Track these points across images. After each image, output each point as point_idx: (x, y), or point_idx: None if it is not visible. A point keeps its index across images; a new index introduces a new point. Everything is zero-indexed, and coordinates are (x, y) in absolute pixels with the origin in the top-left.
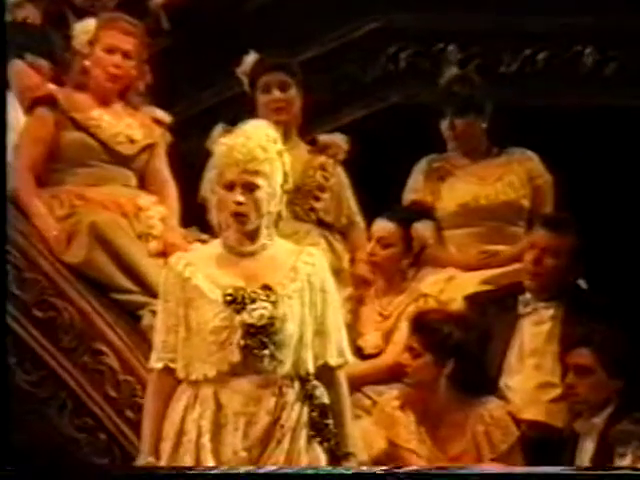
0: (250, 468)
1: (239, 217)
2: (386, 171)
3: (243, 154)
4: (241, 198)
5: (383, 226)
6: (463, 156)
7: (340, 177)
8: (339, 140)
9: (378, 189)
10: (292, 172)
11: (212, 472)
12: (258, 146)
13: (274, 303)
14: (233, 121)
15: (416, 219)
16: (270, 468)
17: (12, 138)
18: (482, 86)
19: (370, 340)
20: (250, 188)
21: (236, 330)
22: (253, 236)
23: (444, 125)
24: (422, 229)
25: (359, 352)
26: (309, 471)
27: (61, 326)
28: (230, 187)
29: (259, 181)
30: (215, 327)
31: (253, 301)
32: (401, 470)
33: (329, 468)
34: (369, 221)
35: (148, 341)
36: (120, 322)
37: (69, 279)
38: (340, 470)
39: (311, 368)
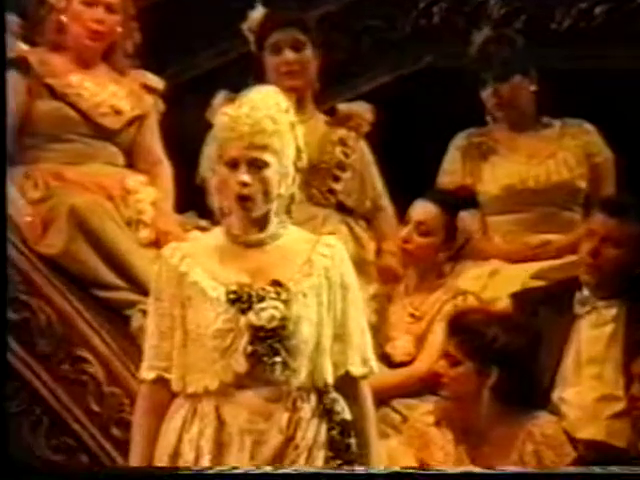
0: (251, 468)
1: (244, 201)
2: (417, 147)
3: (249, 126)
4: (246, 178)
5: (425, 209)
6: (508, 129)
7: (363, 153)
8: (362, 110)
9: (408, 168)
10: (307, 147)
11: (211, 472)
12: (266, 116)
13: (286, 302)
14: (237, 87)
15: (462, 206)
16: (268, 468)
17: None
18: (526, 47)
19: (400, 345)
20: (257, 166)
21: (242, 334)
22: (261, 223)
23: (486, 93)
24: (469, 220)
25: (387, 359)
26: (312, 470)
27: (36, 329)
28: (233, 165)
29: (267, 158)
30: (217, 330)
31: (261, 300)
32: (418, 471)
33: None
34: (398, 205)
35: (138, 347)
36: (105, 324)
37: (45, 273)
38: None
39: (330, 378)
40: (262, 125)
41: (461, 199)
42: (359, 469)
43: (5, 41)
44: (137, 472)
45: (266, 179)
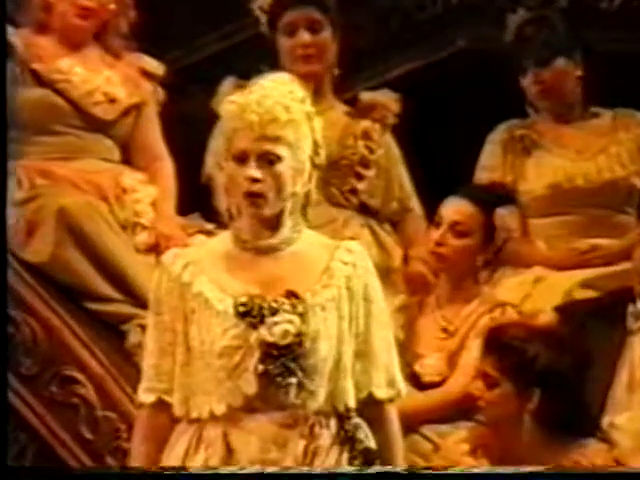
0: (251, 469)
1: (254, 198)
2: (450, 141)
3: (259, 114)
4: (256, 173)
5: (460, 207)
6: (553, 120)
7: (389, 148)
8: (388, 99)
9: (439, 164)
10: (326, 141)
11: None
12: (279, 104)
13: (302, 316)
14: (246, 74)
15: (498, 203)
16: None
17: None
18: (569, 28)
19: (430, 364)
20: (268, 160)
21: (252, 351)
22: (274, 226)
23: (526, 80)
24: (508, 217)
25: (415, 380)
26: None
27: (20, 346)
28: (242, 159)
29: (280, 150)
30: (224, 348)
31: (274, 313)
32: (428, 471)
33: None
34: (427, 207)
35: (135, 365)
36: (98, 341)
37: (30, 283)
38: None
39: (352, 402)
40: (274, 114)
41: (497, 196)
42: (369, 470)
43: (5, 36)
44: (137, 472)
45: (279, 175)
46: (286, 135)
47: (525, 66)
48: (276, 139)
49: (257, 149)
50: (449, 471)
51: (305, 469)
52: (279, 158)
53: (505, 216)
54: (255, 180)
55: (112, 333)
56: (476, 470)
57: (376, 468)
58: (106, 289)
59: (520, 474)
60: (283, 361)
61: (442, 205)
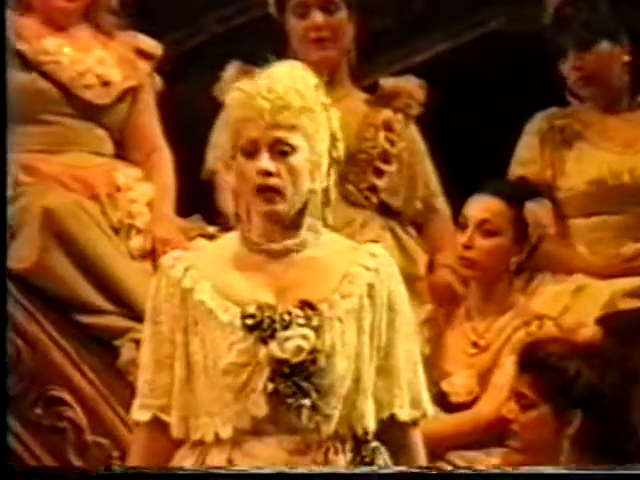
0: (250, 469)
1: (267, 193)
2: (482, 133)
3: (270, 101)
4: (269, 165)
5: (486, 204)
6: (597, 110)
7: (413, 141)
8: (411, 86)
9: (470, 159)
10: (342, 133)
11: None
12: (292, 90)
13: (318, 329)
14: (252, 58)
15: (528, 197)
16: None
17: None
18: (612, 8)
19: (459, 382)
20: (282, 151)
21: (261, 369)
22: (289, 226)
23: (566, 65)
24: (540, 211)
25: (442, 400)
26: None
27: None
28: (252, 152)
29: (295, 140)
30: (230, 364)
31: (287, 326)
32: (433, 472)
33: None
34: (456, 207)
35: (130, 385)
36: (89, 357)
37: (12, 293)
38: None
39: (372, 424)
40: (287, 100)
41: (527, 190)
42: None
43: (5, 35)
44: (138, 472)
45: (294, 167)
46: (301, 123)
47: (565, 50)
48: (290, 127)
49: (269, 138)
50: (454, 472)
51: (304, 470)
52: (294, 149)
53: (537, 210)
54: (268, 173)
55: (103, 349)
56: (481, 470)
57: (379, 469)
58: (97, 300)
59: (526, 475)
60: (295, 380)
61: (466, 204)
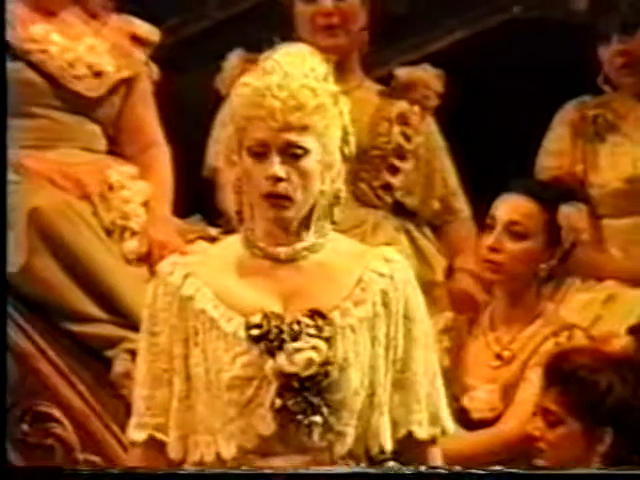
0: (249, 469)
1: (277, 200)
2: (505, 126)
3: (282, 100)
4: (280, 171)
5: (516, 204)
6: (635, 100)
7: (431, 135)
8: (428, 76)
9: (493, 155)
10: (354, 127)
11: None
12: (305, 87)
13: (329, 340)
14: (255, 46)
15: (562, 199)
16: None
17: None
18: None
19: (481, 397)
20: (293, 154)
21: (268, 383)
22: (296, 230)
23: (609, 50)
24: (575, 215)
25: (463, 417)
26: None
27: None
28: (261, 153)
29: (307, 142)
30: (234, 378)
31: (296, 337)
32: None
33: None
34: (478, 208)
35: (123, 399)
36: (79, 369)
37: (6, 297)
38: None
39: (388, 442)
40: (300, 99)
41: (561, 190)
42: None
43: (5, 34)
44: (138, 472)
45: (306, 172)
46: (314, 123)
47: (607, 34)
48: (302, 129)
49: (280, 141)
50: (452, 471)
51: (304, 470)
52: (306, 151)
53: (571, 214)
54: (279, 179)
55: (95, 360)
56: (480, 470)
57: (379, 469)
58: (88, 307)
59: (526, 475)
60: (306, 395)
61: (494, 204)
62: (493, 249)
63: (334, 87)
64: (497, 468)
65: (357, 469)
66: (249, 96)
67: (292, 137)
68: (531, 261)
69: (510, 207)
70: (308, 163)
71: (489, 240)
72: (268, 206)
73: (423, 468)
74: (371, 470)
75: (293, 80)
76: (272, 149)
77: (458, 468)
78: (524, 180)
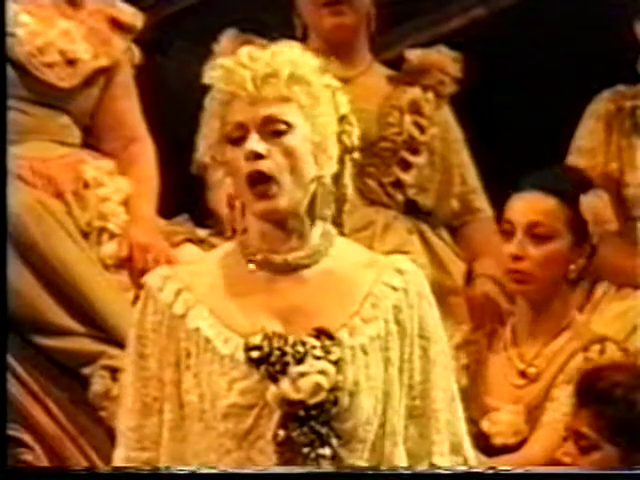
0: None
1: (260, 184)
2: (530, 116)
3: (253, 69)
4: (258, 146)
5: (534, 203)
6: None
7: (447, 126)
8: (444, 59)
9: (517, 149)
10: (360, 117)
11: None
12: (280, 55)
13: (338, 362)
14: (250, 26)
15: (581, 190)
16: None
17: None
18: None
19: (503, 420)
20: (275, 131)
21: (270, 412)
22: (295, 231)
23: None
24: (599, 203)
25: (484, 443)
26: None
27: None
28: (240, 137)
29: (291, 116)
30: (232, 406)
31: (300, 360)
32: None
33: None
34: (500, 207)
35: (101, 422)
36: (53, 389)
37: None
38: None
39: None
40: (273, 66)
41: (578, 181)
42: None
43: (5, 38)
44: (139, 472)
45: (291, 149)
46: (295, 95)
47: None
48: (280, 100)
49: (257, 118)
50: (453, 471)
51: (304, 470)
52: (289, 126)
53: (594, 204)
54: (258, 156)
55: (70, 378)
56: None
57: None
58: (62, 318)
59: (526, 475)
60: (312, 425)
61: (507, 207)
62: (516, 257)
63: (332, 81)
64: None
65: (357, 470)
66: (222, 77)
67: (270, 110)
68: (559, 265)
69: (527, 207)
70: (293, 140)
71: (510, 248)
72: (255, 197)
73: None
74: (369, 470)
75: (268, 50)
76: (250, 128)
77: (462, 468)
78: (535, 174)
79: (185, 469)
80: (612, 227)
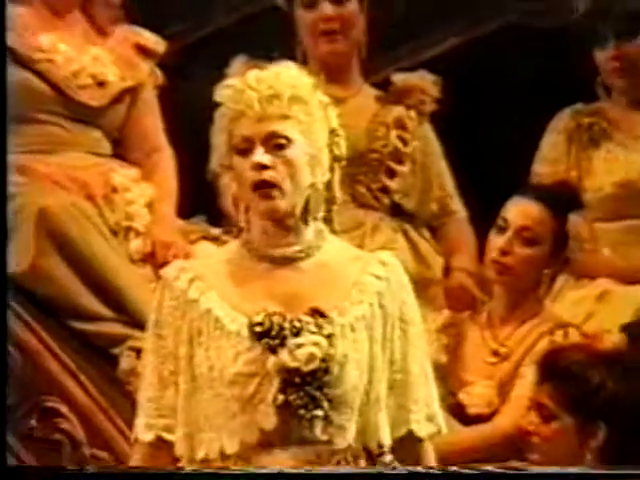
0: (247, 469)
1: (265, 189)
2: (500, 131)
3: (259, 91)
4: (263, 158)
5: (529, 210)
6: (627, 106)
7: (427, 139)
8: (425, 81)
9: (488, 159)
10: (352, 131)
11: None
12: (282, 79)
13: (329, 337)
14: (260, 52)
15: (569, 207)
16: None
17: None
18: None
19: (477, 393)
20: (277, 144)
21: (270, 379)
22: (292, 229)
23: (605, 53)
24: (581, 225)
25: (460, 411)
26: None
27: None
28: (246, 149)
29: (290, 132)
30: (237, 375)
31: (297, 334)
32: (430, 471)
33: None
34: (473, 209)
35: (129, 395)
36: (86, 366)
37: (5, 298)
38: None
39: (386, 438)
40: (276, 89)
41: (567, 197)
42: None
43: (5, 36)
44: (139, 472)
45: (292, 161)
46: (294, 114)
47: (604, 38)
48: (282, 118)
49: (262, 133)
50: (450, 471)
51: (305, 470)
52: (289, 141)
53: (579, 224)
54: (263, 167)
55: (101, 357)
56: (479, 470)
57: (376, 469)
58: (94, 305)
59: (526, 474)
60: (307, 390)
61: (506, 207)
62: (503, 251)
63: (323, 97)
64: (489, 468)
65: (356, 469)
66: (230, 96)
67: (273, 127)
68: (537, 266)
69: (523, 212)
70: (293, 153)
71: (500, 242)
72: (259, 198)
73: (419, 468)
74: (369, 470)
75: (270, 74)
76: (256, 142)
77: (454, 468)
78: (536, 186)
79: (183, 470)
80: (587, 247)
